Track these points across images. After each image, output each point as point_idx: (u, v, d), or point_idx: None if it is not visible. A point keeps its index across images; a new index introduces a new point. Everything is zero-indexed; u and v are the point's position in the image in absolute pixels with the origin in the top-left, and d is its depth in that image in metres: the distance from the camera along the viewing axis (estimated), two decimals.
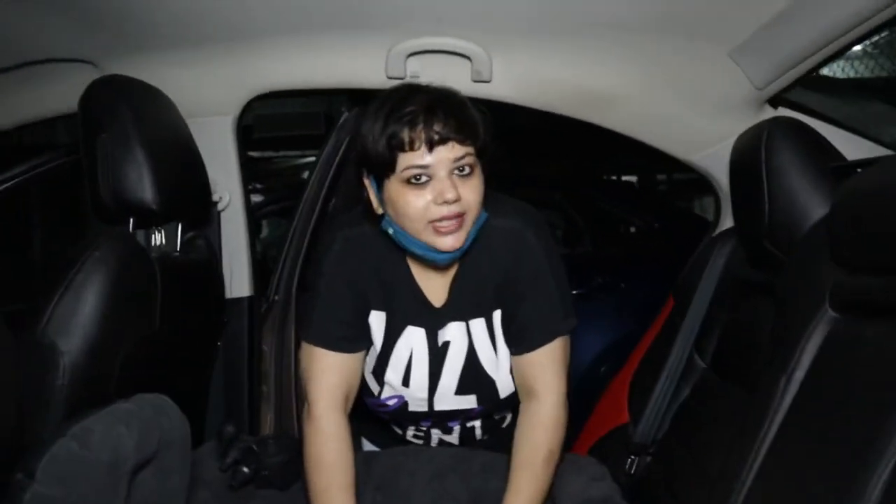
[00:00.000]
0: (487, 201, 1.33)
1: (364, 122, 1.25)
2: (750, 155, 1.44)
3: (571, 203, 4.03)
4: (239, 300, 1.92)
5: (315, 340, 1.39)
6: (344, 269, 1.38)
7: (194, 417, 1.70)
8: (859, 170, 1.21)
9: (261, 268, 2.06)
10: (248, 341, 1.92)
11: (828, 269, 1.15)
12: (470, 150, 1.22)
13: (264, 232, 5.12)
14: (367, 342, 1.44)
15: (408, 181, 1.21)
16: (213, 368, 1.89)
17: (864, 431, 0.90)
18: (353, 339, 1.40)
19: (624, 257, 3.81)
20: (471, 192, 1.23)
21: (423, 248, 1.27)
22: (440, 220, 1.22)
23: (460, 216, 1.23)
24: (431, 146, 1.19)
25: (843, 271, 1.12)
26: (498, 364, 1.44)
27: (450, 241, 1.24)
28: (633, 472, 1.75)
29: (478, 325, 1.42)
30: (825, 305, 1.13)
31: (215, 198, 1.84)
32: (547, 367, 1.37)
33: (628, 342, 2.10)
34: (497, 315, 1.43)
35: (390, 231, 1.29)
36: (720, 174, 1.79)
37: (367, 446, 1.76)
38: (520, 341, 1.39)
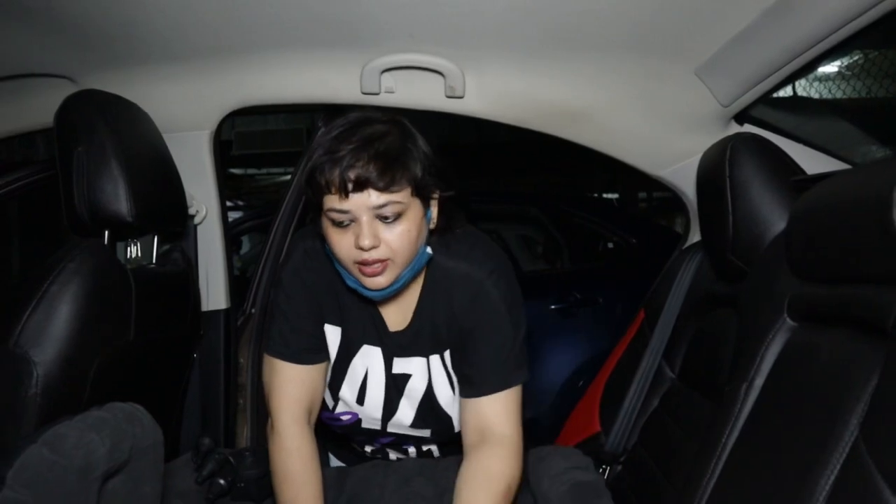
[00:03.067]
0: (453, 242, 1.33)
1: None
2: (714, 170, 1.47)
3: (550, 219, 4.07)
4: (215, 313, 1.92)
5: (276, 353, 1.38)
6: (302, 281, 1.37)
7: (169, 429, 1.70)
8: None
9: (240, 282, 2.07)
10: (224, 353, 1.93)
11: (786, 280, 1.18)
12: (394, 197, 1.16)
13: (245, 248, 5.10)
14: (328, 354, 1.43)
15: (332, 222, 1.19)
16: (188, 380, 1.89)
17: (816, 434, 0.92)
18: (314, 350, 1.39)
19: (602, 273, 3.83)
20: (396, 238, 1.18)
21: (354, 283, 1.25)
22: (363, 263, 1.19)
23: (383, 261, 1.19)
24: (347, 192, 1.14)
25: (800, 282, 1.15)
26: (454, 401, 1.42)
27: (376, 282, 1.21)
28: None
29: (436, 361, 1.42)
30: (784, 315, 1.16)
31: (192, 211, 1.85)
32: (500, 415, 1.31)
33: (606, 356, 2.10)
34: (448, 354, 1.41)
35: (331, 257, 1.27)
36: (688, 189, 1.82)
37: (333, 461, 1.76)
38: (470, 385, 1.34)
